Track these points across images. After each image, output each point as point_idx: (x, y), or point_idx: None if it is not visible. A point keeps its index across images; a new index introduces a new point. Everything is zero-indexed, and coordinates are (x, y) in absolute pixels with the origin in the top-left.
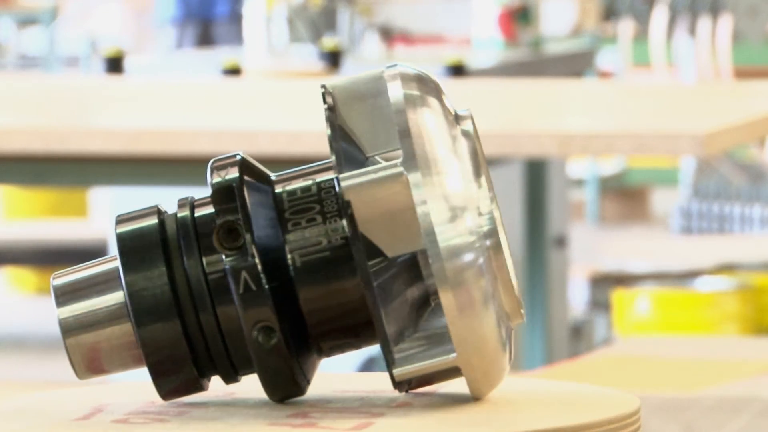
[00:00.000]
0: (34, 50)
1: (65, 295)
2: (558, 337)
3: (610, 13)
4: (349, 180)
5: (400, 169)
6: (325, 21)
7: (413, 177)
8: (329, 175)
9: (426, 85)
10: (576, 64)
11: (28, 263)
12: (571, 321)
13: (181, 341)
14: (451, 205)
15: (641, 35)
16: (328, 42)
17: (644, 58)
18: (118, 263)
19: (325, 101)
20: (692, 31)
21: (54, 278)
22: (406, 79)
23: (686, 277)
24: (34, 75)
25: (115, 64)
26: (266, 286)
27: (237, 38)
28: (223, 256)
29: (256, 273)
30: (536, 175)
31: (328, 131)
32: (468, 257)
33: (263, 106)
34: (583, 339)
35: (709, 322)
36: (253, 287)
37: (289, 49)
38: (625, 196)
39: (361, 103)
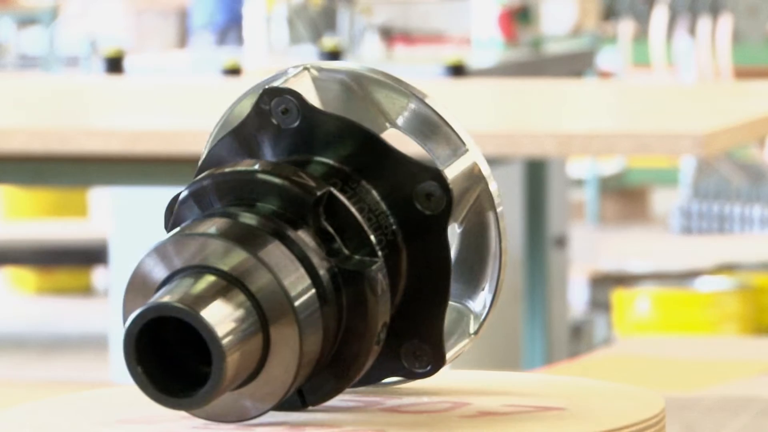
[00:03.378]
0: (34, 50)
1: (213, 314)
2: (558, 337)
3: (610, 13)
4: (449, 173)
5: (473, 159)
6: (325, 21)
7: (479, 160)
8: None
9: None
10: (576, 64)
11: (28, 263)
12: (571, 321)
13: (319, 350)
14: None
15: (641, 35)
16: (328, 42)
17: (644, 58)
18: (224, 273)
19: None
20: (692, 31)
21: (182, 300)
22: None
23: (686, 277)
24: (34, 75)
25: (115, 64)
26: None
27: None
28: (340, 261)
29: (387, 275)
30: (536, 175)
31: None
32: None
33: None
34: (583, 339)
35: (709, 322)
36: (386, 289)
37: (289, 49)
38: (625, 196)
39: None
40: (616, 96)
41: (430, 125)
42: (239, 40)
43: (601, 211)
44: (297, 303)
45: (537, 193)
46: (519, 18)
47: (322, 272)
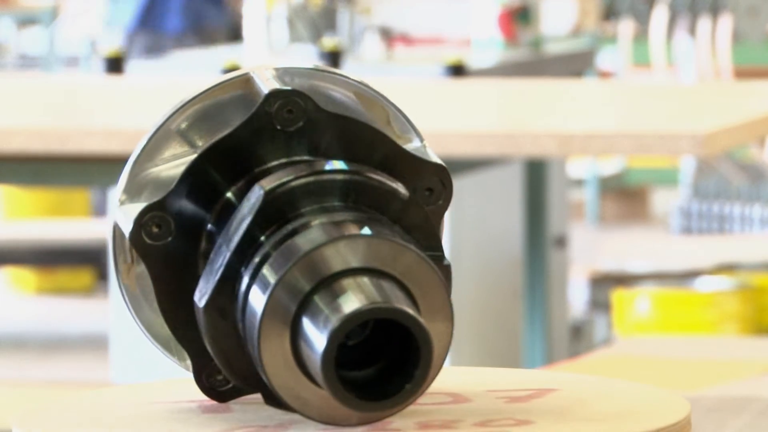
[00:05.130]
0: (34, 50)
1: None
2: (558, 337)
3: (610, 13)
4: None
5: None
6: (325, 21)
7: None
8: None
9: None
10: (576, 64)
11: (28, 263)
12: (571, 321)
13: None
14: None
15: (641, 35)
16: (328, 42)
17: (644, 58)
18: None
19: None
20: (692, 31)
21: (390, 301)
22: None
23: (686, 277)
24: (34, 75)
25: (115, 64)
26: None
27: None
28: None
29: None
30: (536, 175)
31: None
32: None
33: None
34: (583, 339)
35: (709, 322)
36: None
37: (289, 49)
38: (625, 196)
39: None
40: (616, 96)
41: (388, 123)
42: (146, 49)
43: (601, 211)
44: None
45: (537, 193)
46: (519, 18)
47: None
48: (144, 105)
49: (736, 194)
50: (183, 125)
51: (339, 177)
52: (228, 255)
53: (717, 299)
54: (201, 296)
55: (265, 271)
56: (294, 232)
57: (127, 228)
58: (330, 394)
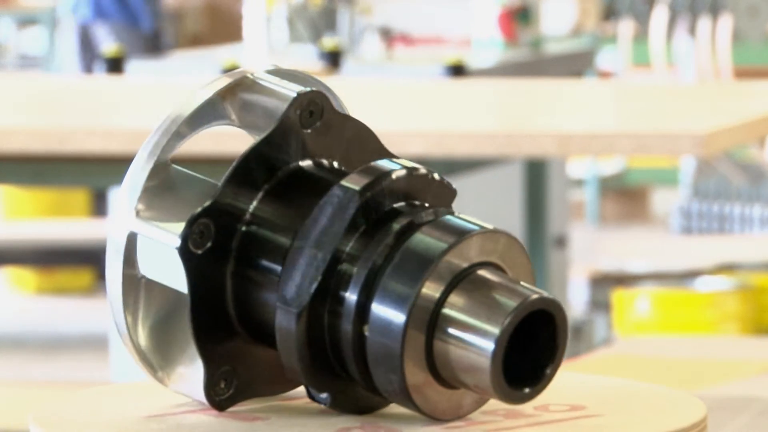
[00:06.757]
0: (34, 50)
1: None
2: None
3: (610, 13)
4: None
5: None
6: (325, 21)
7: None
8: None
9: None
10: (576, 64)
11: (28, 263)
12: (571, 321)
13: None
14: None
15: (641, 35)
16: (328, 42)
17: (644, 58)
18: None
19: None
20: (692, 31)
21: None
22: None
23: (686, 277)
24: (34, 75)
25: (115, 64)
26: None
27: (111, 38)
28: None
29: None
30: (536, 175)
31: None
32: None
33: None
34: (583, 339)
35: (709, 322)
36: None
37: (289, 49)
38: (625, 196)
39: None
40: (616, 96)
41: None
42: (79, 43)
43: (601, 211)
44: None
45: (537, 193)
46: (519, 18)
47: None
48: (144, 105)
49: (736, 194)
50: (184, 130)
51: (422, 172)
52: (326, 258)
53: (717, 299)
54: (292, 301)
55: (391, 279)
56: (405, 235)
57: (170, 238)
58: (495, 393)
